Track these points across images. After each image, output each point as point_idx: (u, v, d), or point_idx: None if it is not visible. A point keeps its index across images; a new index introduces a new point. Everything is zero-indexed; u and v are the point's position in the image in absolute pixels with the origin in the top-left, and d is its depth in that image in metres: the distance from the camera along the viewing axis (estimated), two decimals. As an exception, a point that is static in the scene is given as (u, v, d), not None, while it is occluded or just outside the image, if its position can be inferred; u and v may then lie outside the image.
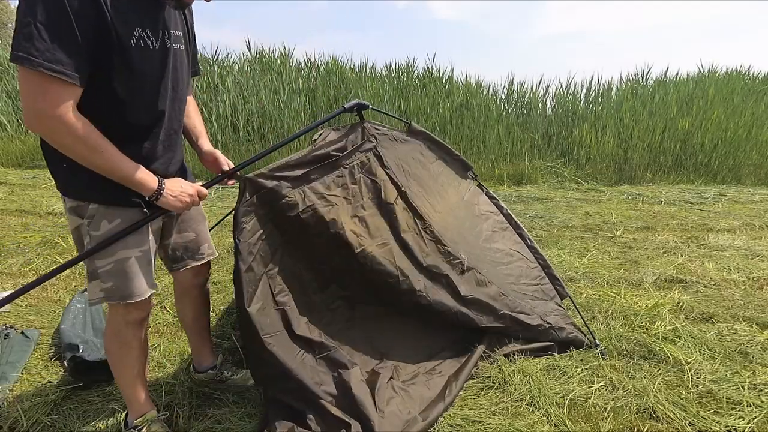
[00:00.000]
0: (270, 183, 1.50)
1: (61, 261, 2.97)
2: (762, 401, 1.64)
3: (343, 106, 1.70)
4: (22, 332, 1.98)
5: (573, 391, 1.69)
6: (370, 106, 1.77)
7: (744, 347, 2.02)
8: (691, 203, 5.55)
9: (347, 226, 1.62)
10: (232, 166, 1.52)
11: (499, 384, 1.73)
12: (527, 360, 1.84)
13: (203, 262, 1.55)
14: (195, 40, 1.41)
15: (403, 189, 1.80)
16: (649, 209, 5.15)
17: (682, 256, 3.32)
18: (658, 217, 4.69)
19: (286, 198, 1.52)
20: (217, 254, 1.62)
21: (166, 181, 1.26)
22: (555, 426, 1.53)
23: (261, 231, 1.50)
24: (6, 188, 5.34)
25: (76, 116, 1.08)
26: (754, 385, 1.74)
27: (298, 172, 1.56)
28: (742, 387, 1.72)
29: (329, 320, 1.68)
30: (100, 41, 1.06)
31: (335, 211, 1.62)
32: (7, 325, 2.04)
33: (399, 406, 1.51)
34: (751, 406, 1.62)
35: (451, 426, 1.52)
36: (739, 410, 1.60)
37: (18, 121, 7.76)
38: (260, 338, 1.44)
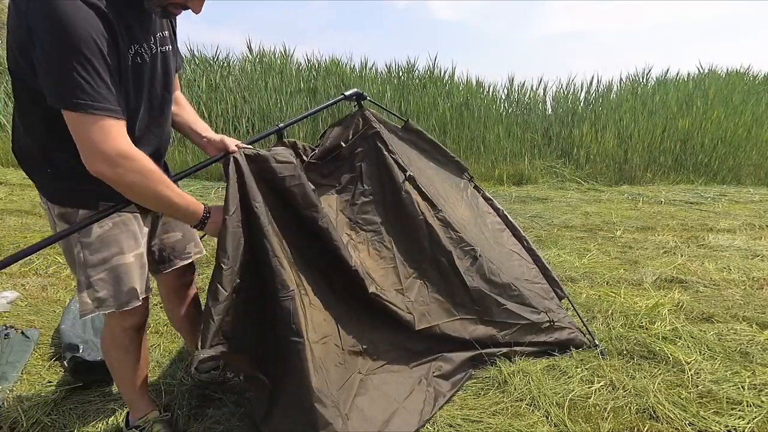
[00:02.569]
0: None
1: (61, 261, 2.97)
2: (762, 401, 1.64)
3: (343, 94, 1.76)
4: (22, 332, 1.99)
5: (573, 391, 1.69)
6: (368, 98, 1.82)
7: (744, 347, 2.02)
8: (691, 203, 5.55)
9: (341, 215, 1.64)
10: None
11: (499, 384, 1.73)
12: (527, 360, 1.84)
13: (189, 261, 1.53)
14: (176, 35, 1.37)
15: (410, 173, 1.80)
16: (649, 209, 5.15)
17: (682, 256, 3.32)
18: (658, 217, 4.69)
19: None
20: (204, 252, 1.61)
21: (211, 207, 1.26)
22: (555, 426, 1.53)
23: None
24: (6, 188, 5.34)
25: (137, 150, 1.08)
26: (754, 385, 1.74)
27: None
28: (742, 387, 1.72)
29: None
30: (115, 66, 1.05)
31: (329, 198, 1.63)
32: (7, 325, 2.04)
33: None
34: (751, 406, 1.62)
35: (450, 426, 1.52)
36: (739, 410, 1.60)
37: (18, 121, 7.75)
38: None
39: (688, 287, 2.77)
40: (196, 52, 8.72)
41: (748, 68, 9.92)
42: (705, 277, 2.91)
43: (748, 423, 1.53)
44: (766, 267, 3.10)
